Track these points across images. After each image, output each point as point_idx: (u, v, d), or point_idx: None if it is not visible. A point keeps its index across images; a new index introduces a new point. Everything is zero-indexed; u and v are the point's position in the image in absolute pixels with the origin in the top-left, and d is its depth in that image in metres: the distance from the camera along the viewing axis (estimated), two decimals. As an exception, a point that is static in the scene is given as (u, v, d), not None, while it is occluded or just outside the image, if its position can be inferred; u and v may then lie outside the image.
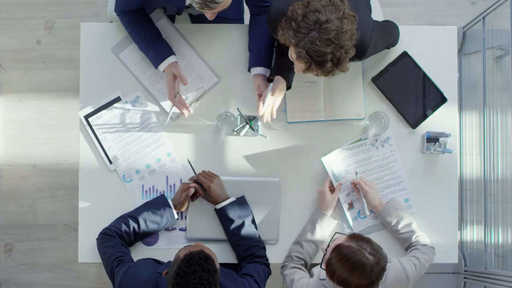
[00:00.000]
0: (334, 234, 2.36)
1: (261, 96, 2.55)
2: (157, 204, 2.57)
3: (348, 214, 2.64)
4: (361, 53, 2.36)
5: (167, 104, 2.66)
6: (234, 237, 2.55)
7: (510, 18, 2.79)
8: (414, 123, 2.68)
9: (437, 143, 2.63)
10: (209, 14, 2.31)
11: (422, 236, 2.57)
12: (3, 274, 3.46)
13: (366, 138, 2.66)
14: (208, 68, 2.68)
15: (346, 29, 2.15)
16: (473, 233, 3.33)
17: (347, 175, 2.65)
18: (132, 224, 2.52)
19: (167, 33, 2.68)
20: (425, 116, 2.67)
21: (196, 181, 2.60)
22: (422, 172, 2.67)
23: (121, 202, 2.64)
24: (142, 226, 2.53)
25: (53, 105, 3.50)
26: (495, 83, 3.26)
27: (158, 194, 2.64)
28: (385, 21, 2.59)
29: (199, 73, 2.68)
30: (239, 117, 2.63)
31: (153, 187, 2.65)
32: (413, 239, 2.55)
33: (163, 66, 2.58)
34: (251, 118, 2.64)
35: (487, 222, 3.09)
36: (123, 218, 2.54)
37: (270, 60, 2.59)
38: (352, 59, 2.34)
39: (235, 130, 2.62)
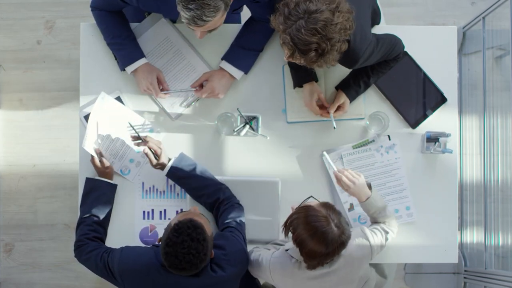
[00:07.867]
0: (309, 197, 2.33)
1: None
2: (92, 189, 2.56)
3: (348, 215, 2.64)
4: (352, 62, 2.36)
5: (166, 104, 2.67)
6: (194, 191, 2.54)
7: (510, 18, 2.79)
8: (414, 123, 2.67)
9: (437, 143, 2.63)
10: (198, 33, 2.28)
11: (393, 219, 2.50)
12: (3, 274, 3.46)
13: (373, 141, 2.65)
14: (208, 68, 2.68)
15: (336, 22, 2.13)
16: (473, 233, 3.32)
17: None
18: (92, 220, 2.52)
19: (167, 33, 2.67)
20: (425, 116, 2.67)
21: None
22: (422, 172, 2.67)
23: (121, 201, 2.64)
24: (100, 214, 2.53)
25: (53, 105, 3.50)
26: (495, 83, 3.26)
27: (158, 194, 2.65)
28: (387, 34, 2.48)
29: (199, 73, 2.67)
30: (239, 117, 2.62)
31: (153, 186, 2.65)
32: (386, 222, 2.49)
33: (130, 68, 2.57)
34: (251, 118, 2.64)
35: (487, 222, 3.09)
36: (82, 223, 2.53)
37: (247, 63, 2.61)
38: (343, 64, 2.35)
39: (235, 130, 2.62)
